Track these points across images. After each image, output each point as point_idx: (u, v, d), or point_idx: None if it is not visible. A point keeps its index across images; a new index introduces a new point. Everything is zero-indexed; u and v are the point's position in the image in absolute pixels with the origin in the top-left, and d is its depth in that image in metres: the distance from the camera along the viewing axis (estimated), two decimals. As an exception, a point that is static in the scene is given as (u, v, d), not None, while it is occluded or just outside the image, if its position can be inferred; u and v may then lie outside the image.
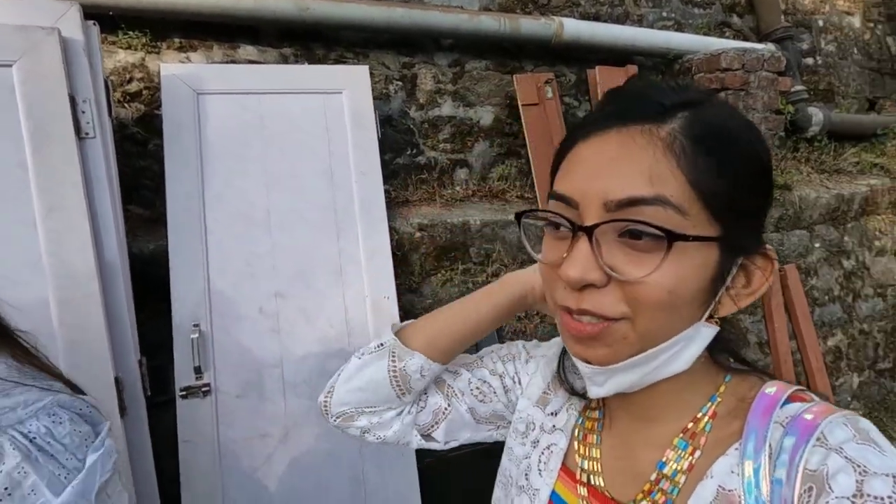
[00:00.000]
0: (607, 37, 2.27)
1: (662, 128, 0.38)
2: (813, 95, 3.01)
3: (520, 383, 0.63)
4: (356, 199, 1.79)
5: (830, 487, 0.34)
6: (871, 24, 3.49)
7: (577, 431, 0.54)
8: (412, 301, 1.91)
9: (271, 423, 1.61)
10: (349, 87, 1.87)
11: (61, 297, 1.29)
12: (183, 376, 1.53)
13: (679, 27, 2.70)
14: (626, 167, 0.38)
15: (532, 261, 0.49)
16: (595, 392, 0.44)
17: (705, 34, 2.64)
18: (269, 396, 1.61)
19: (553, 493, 0.52)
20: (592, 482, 0.49)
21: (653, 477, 0.45)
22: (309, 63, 1.99)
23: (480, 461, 1.81)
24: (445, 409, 0.64)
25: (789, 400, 0.41)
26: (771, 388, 0.43)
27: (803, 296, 2.58)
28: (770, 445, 0.39)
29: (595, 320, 0.40)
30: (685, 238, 0.36)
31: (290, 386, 1.64)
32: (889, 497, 0.32)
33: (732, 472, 0.40)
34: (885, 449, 0.35)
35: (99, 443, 0.56)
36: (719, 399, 0.45)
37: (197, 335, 1.54)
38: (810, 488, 0.35)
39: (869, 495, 0.33)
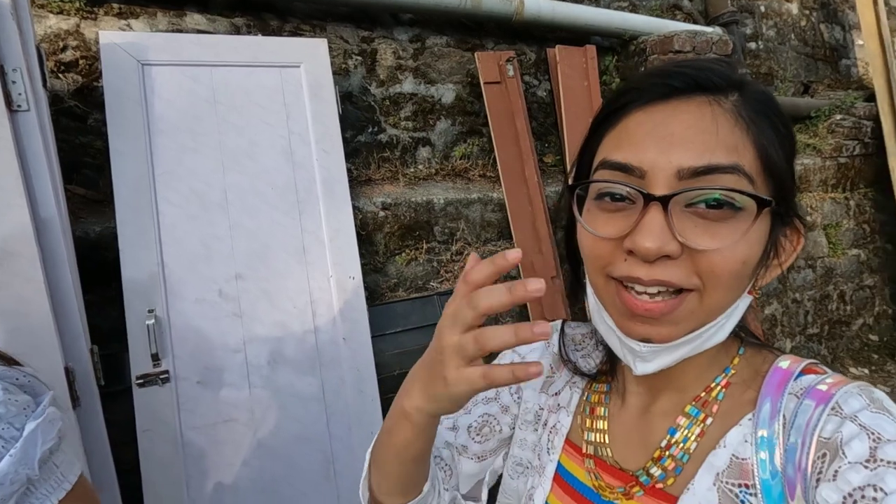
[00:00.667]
0: (567, 16, 2.29)
1: (729, 98, 0.39)
2: (755, 78, 3.17)
3: (519, 389, 0.60)
4: (318, 177, 1.74)
5: (844, 453, 0.35)
6: (808, 12, 3.70)
7: (582, 407, 0.53)
8: (377, 281, 1.90)
9: (236, 409, 1.57)
10: (307, 60, 1.80)
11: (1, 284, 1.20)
12: (139, 364, 1.47)
13: (633, 9, 2.76)
14: (701, 136, 0.37)
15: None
16: (642, 369, 0.42)
17: (658, 16, 2.72)
18: (232, 381, 1.57)
19: (560, 466, 0.52)
20: (599, 453, 0.49)
21: (663, 443, 0.45)
22: (262, 35, 1.90)
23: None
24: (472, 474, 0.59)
25: (803, 373, 0.42)
26: (785, 362, 0.44)
27: (745, 268, 2.77)
28: (784, 416, 0.39)
29: (666, 297, 0.38)
30: (768, 203, 0.36)
31: (255, 369, 1.60)
32: None
33: (746, 441, 0.41)
34: None
35: (40, 410, 0.54)
36: (733, 371, 0.45)
37: (153, 321, 1.47)
38: (824, 455, 0.36)
39: (882, 460, 0.33)
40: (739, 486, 0.40)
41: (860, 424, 0.36)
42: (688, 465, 0.43)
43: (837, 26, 3.84)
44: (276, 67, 1.76)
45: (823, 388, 0.39)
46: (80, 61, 1.67)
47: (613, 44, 2.59)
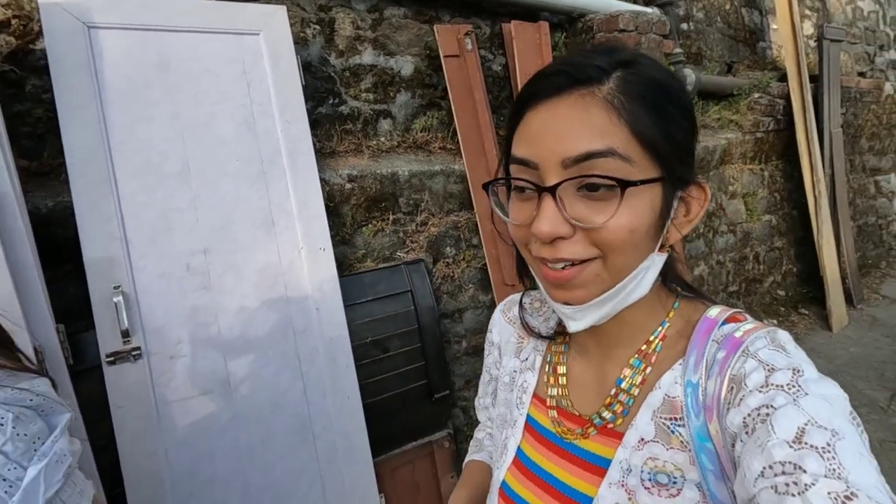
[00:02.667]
0: (519, -9, 2.35)
1: (601, 88, 0.43)
2: (686, 58, 3.41)
3: (500, 358, 0.70)
4: (283, 149, 1.73)
5: (746, 384, 0.42)
6: (731, -4, 3.99)
7: (546, 367, 0.61)
8: (345, 252, 1.93)
9: (211, 381, 1.58)
10: (266, 28, 1.75)
11: (-47, 262, 1.13)
12: (108, 341, 1.44)
13: (580, -14, 2.87)
14: (576, 126, 0.42)
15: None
16: (574, 327, 0.49)
17: (602, -5, 2.84)
18: (206, 354, 1.58)
19: (529, 417, 0.60)
20: (561, 404, 0.57)
21: (612, 392, 0.52)
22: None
23: (423, 399, 1.96)
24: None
25: (726, 321, 0.49)
26: (713, 312, 0.50)
27: (677, 234, 3.04)
28: (706, 360, 0.46)
29: (568, 267, 0.45)
30: (633, 184, 0.41)
31: (227, 341, 1.61)
32: (787, 384, 0.40)
33: (676, 382, 0.48)
34: (790, 352, 0.43)
35: (47, 447, 0.50)
36: (668, 323, 0.52)
37: (120, 297, 1.44)
38: (732, 388, 0.43)
39: (773, 384, 0.40)
40: (671, 419, 0.47)
41: (759, 359, 0.43)
42: (632, 407, 0.51)
43: (756, 11, 4.17)
44: (233, 35, 1.71)
45: (738, 334, 0.46)
46: (13, 21, 1.53)
47: (562, 20, 2.70)
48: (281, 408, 1.67)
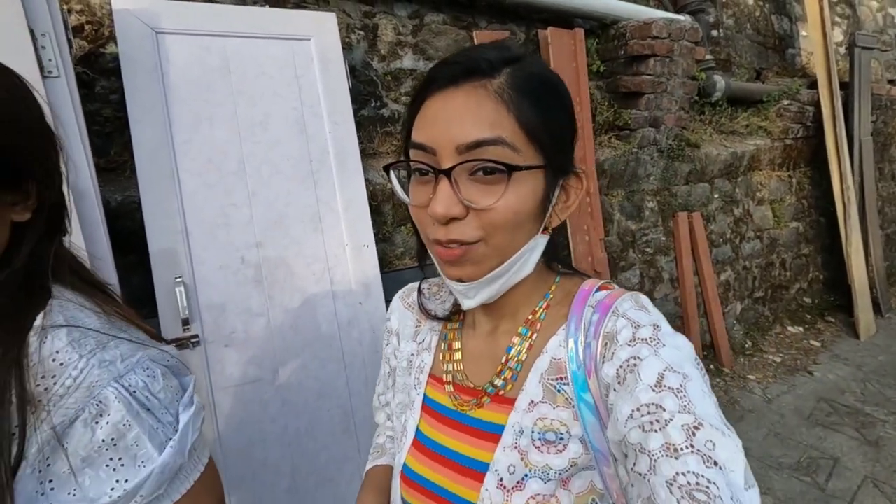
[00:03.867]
0: (555, -1, 2.41)
1: (493, 82, 0.46)
2: (716, 65, 3.43)
3: (398, 345, 0.71)
4: (331, 149, 1.81)
5: (617, 339, 0.47)
6: (761, 3, 3.99)
7: (442, 345, 0.63)
8: (385, 250, 2.00)
9: (261, 369, 1.66)
10: (317, 34, 1.84)
11: (42, 250, 1.22)
12: (170, 328, 1.52)
13: (612, -7, 2.92)
14: (469, 116, 0.45)
15: None
16: (468, 304, 0.52)
17: (634, 2, 2.89)
18: (257, 344, 1.65)
19: (426, 397, 0.61)
20: (456, 379, 0.59)
21: (503, 360, 0.56)
22: (270, 7, 1.91)
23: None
24: None
25: (599, 289, 0.55)
26: (588, 284, 0.56)
27: (705, 239, 3.06)
28: (584, 323, 0.51)
29: (458, 247, 0.48)
30: (519, 168, 0.45)
31: (277, 332, 1.69)
32: (650, 338, 0.46)
33: (560, 346, 0.52)
34: (651, 311, 0.50)
35: (188, 400, 0.56)
36: (551, 296, 0.57)
37: (182, 287, 1.52)
38: (606, 344, 0.48)
39: (638, 338, 0.46)
40: (556, 379, 0.51)
41: (627, 318, 0.48)
42: (521, 373, 0.54)
43: (786, 17, 4.17)
44: (286, 40, 1.79)
45: (609, 300, 0.51)
46: (87, 27, 1.64)
47: (594, 27, 2.75)
48: (325, 398, 1.74)
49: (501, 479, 0.50)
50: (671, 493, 0.37)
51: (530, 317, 0.56)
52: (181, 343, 1.53)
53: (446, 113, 0.46)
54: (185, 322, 1.53)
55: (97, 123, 1.68)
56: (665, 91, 2.66)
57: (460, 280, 0.51)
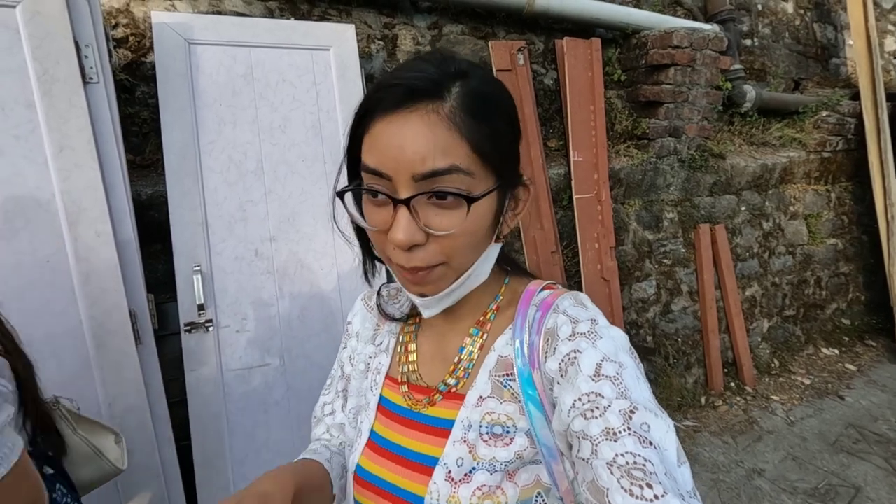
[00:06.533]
0: (574, 8, 2.44)
1: (444, 105, 0.45)
2: (748, 74, 3.34)
3: (353, 352, 0.72)
4: (344, 151, 1.91)
5: (558, 335, 0.50)
6: (802, 11, 3.85)
7: (398, 347, 0.65)
8: (393, 249, 2.08)
9: (269, 355, 1.77)
10: (336, 44, 1.95)
11: (76, 235, 1.37)
12: (187, 312, 1.66)
13: (637, 4, 2.92)
14: (423, 144, 0.45)
15: None
16: (428, 314, 0.56)
17: (660, 12, 2.87)
18: (265, 331, 1.77)
19: (382, 398, 0.63)
20: (411, 379, 0.61)
21: (456, 359, 0.58)
22: (294, 18, 2.05)
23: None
24: None
25: (543, 290, 0.57)
26: (533, 285, 0.58)
27: (729, 252, 2.98)
28: (528, 322, 0.54)
29: (423, 270, 0.50)
30: (476, 199, 0.46)
31: (285, 321, 1.80)
32: (588, 332, 0.49)
33: (507, 344, 0.55)
34: (589, 308, 0.53)
35: None
36: (501, 297, 0.60)
37: (199, 275, 1.65)
38: (548, 339, 0.51)
39: (577, 332, 0.49)
40: (504, 375, 0.54)
41: (566, 315, 0.51)
42: (472, 370, 0.57)
43: (830, 26, 4.00)
44: (307, 50, 1.92)
45: (550, 299, 0.55)
46: (130, 38, 1.82)
47: (616, 36, 2.75)
48: (328, 386, 1.83)
49: (450, 472, 0.52)
50: (612, 473, 0.40)
51: (481, 318, 0.59)
52: (196, 326, 1.66)
53: (399, 140, 0.45)
54: (201, 307, 1.67)
55: (136, 125, 1.85)
56: (686, 101, 2.63)
57: (423, 295, 0.53)
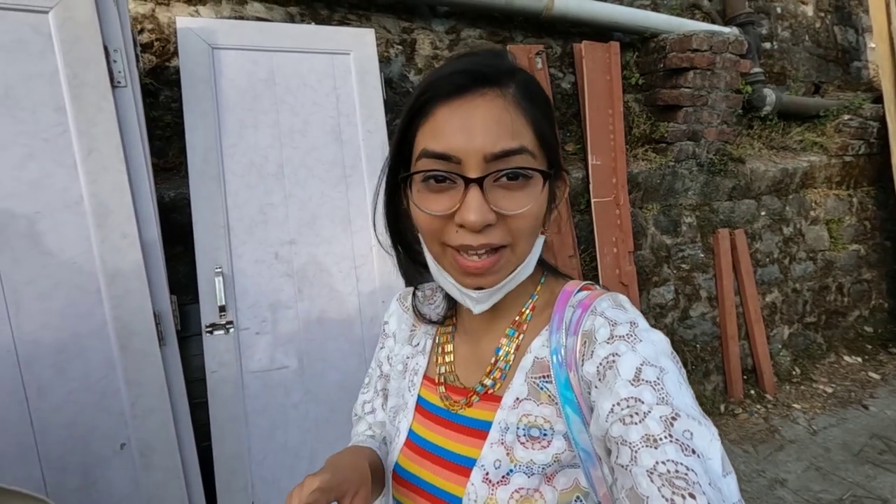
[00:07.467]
0: (592, 12, 2.44)
1: (508, 91, 0.48)
2: (768, 77, 3.30)
3: (391, 352, 0.72)
4: (363, 155, 1.93)
5: (596, 338, 0.49)
6: (822, 14, 3.80)
7: (435, 348, 0.66)
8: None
9: (287, 357, 1.78)
10: (356, 48, 1.97)
11: (102, 236, 1.39)
12: (208, 314, 1.67)
13: (655, 7, 2.90)
14: (493, 126, 0.46)
15: None
16: (478, 309, 0.53)
17: (678, 15, 2.85)
18: (284, 333, 1.78)
19: (420, 398, 0.63)
20: (448, 380, 0.62)
21: (492, 360, 0.58)
22: (314, 22, 2.07)
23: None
24: None
25: (581, 290, 0.57)
26: (570, 285, 0.58)
27: (748, 257, 2.94)
28: (566, 323, 0.53)
29: (489, 254, 0.49)
30: (548, 175, 0.49)
31: (304, 324, 1.80)
32: (627, 334, 0.48)
33: (543, 345, 0.54)
34: (628, 310, 0.52)
35: None
36: (537, 296, 0.59)
37: (220, 277, 1.67)
38: (585, 342, 0.50)
39: (616, 336, 0.48)
40: (541, 377, 0.53)
41: (604, 317, 0.50)
42: (508, 372, 0.56)
43: (851, 29, 3.94)
44: (327, 54, 1.93)
45: (588, 300, 0.54)
46: (155, 43, 1.85)
47: (634, 40, 2.74)
48: (346, 390, 1.83)
49: (487, 474, 0.52)
50: (652, 481, 0.38)
51: (517, 318, 0.58)
52: (217, 327, 1.67)
53: (470, 122, 0.46)
54: (222, 309, 1.68)
55: (159, 128, 1.88)
56: (705, 104, 2.61)
57: (480, 288, 0.51)
